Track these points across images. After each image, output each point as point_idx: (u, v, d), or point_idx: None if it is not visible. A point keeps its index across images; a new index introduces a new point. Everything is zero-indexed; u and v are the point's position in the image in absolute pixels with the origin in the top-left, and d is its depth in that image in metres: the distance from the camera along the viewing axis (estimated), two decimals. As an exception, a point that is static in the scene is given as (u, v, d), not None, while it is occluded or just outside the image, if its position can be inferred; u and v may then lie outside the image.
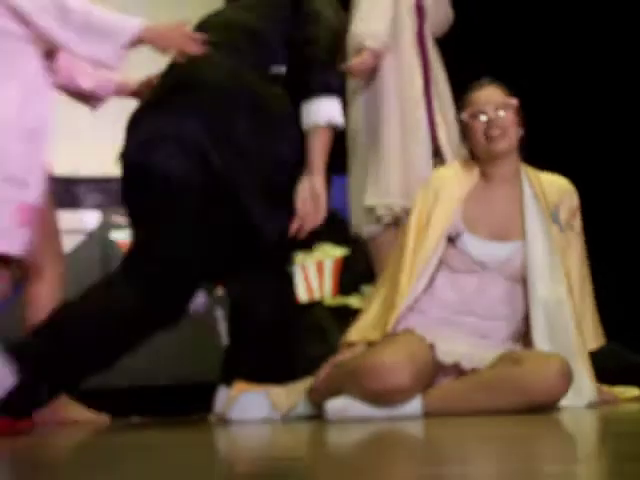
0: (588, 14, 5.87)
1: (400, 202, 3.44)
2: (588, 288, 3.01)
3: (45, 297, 3.18)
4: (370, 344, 2.84)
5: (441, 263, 2.91)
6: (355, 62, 3.33)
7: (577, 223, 3.00)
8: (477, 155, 2.96)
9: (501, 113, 2.91)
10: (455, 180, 2.96)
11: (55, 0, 2.83)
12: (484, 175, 2.97)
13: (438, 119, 3.56)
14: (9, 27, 2.86)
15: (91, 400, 3.27)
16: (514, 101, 2.94)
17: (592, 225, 3.17)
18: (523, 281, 2.91)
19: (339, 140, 4.44)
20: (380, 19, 3.50)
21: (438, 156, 3.56)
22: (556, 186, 2.98)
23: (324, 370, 2.83)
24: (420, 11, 3.72)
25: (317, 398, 2.83)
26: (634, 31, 5.89)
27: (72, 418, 3.23)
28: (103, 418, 3.33)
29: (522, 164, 3.00)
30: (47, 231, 3.15)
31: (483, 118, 2.90)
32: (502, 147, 2.90)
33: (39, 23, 2.84)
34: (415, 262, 2.88)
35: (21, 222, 2.83)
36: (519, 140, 2.95)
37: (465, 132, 2.97)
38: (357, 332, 2.90)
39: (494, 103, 2.92)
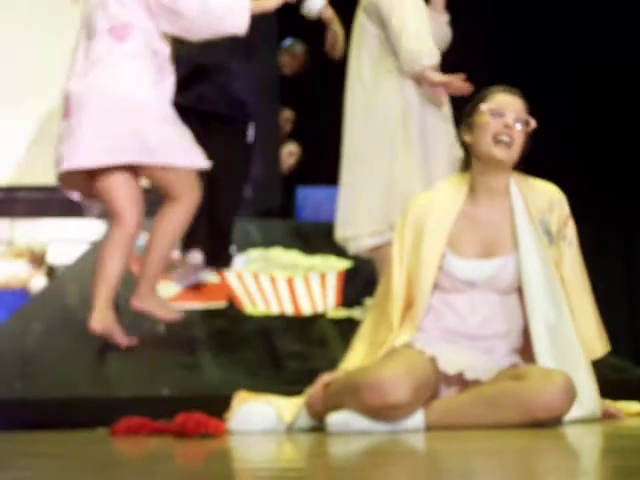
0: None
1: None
2: (588, 298, 2.96)
3: (176, 216, 3.68)
4: None
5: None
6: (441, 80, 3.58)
7: (569, 232, 2.93)
8: (474, 156, 2.88)
9: (519, 125, 2.85)
10: (440, 205, 2.89)
11: None
12: (472, 189, 2.90)
13: None
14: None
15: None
16: (533, 122, 2.87)
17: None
18: (517, 291, 2.88)
19: (337, 152, 4.49)
20: (429, 36, 3.66)
21: None
22: (545, 194, 2.92)
23: (316, 387, 2.81)
24: None
25: (315, 412, 2.81)
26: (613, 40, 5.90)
27: None
28: None
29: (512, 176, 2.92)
30: None
31: (501, 120, 2.83)
32: (504, 156, 2.83)
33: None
34: (415, 293, 2.84)
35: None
36: (520, 157, 2.88)
37: (474, 126, 2.87)
38: (349, 365, 2.87)
39: (517, 113, 2.84)
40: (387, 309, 2.88)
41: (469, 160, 2.92)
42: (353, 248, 3.80)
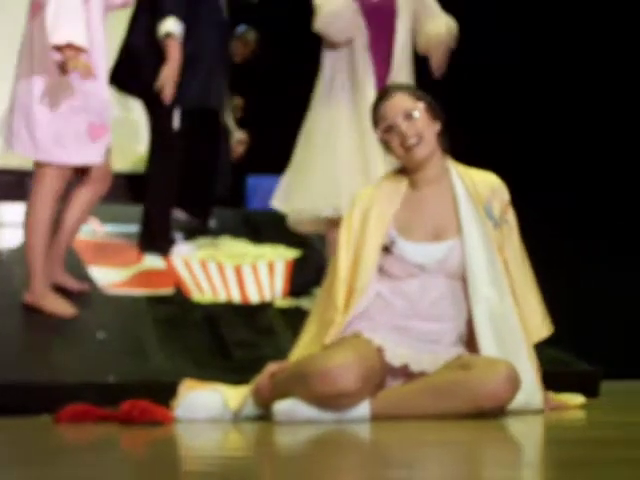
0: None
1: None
2: (530, 280, 3.02)
3: (83, 203, 3.90)
4: None
5: (381, 273, 2.92)
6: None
7: (511, 217, 3.00)
8: (402, 165, 2.97)
9: (412, 119, 2.89)
10: (383, 196, 2.96)
11: None
12: (412, 182, 2.97)
13: None
14: None
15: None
16: (421, 104, 2.92)
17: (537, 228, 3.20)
18: (464, 280, 2.93)
19: (288, 141, 4.52)
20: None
21: None
22: (487, 182, 2.99)
23: (263, 376, 2.82)
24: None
25: (262, 400, 2.82)
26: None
27: None
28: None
29: (450, 162, 3.00)
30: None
31: (396, 131, 2.90)
32: (422, 154, 2.90)
33: None
34: (356, 280, 2.88)
35: (91, 138, 3.74)
36: (438, 135, 2.94)
37: (385, 146, 2.96)
38: (298, 351, 2.92)
39: (403, 112, 2.90)
40: (332, 291, 2.91)
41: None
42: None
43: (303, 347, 2.92)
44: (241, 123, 6.33)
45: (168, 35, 4.29)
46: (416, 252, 2.89)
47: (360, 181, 3.88)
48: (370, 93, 3.96)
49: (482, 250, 2.91)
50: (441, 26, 4.07)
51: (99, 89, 3.74)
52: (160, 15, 4.31)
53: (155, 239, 4.50)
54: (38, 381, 3.24)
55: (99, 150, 3.78)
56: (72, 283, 4.00)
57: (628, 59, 6.08)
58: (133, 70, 4.49)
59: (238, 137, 6.22)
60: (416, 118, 2.90)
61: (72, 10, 3.58)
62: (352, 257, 2.93)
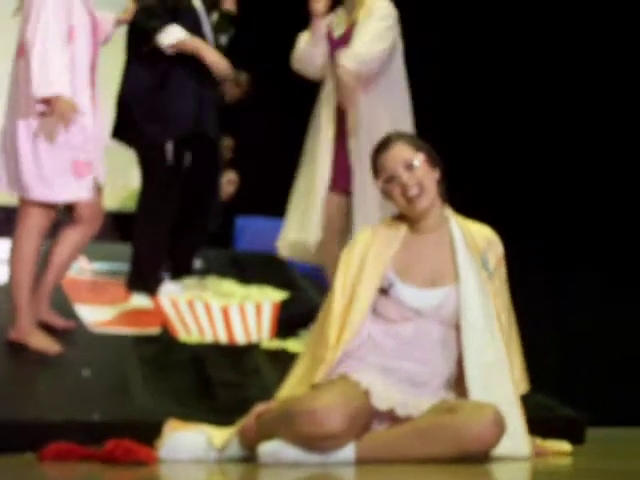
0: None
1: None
2: (515, 335, 3.05)
3: (72, 242, 3.91)
4: None
5: (375, 314, 2.93)
6: None
7: (503, 271, 3.03)
8: (403, 213, 2.99)
9: (413, 169, 2.92)
10: (382, 238, 2.97)
11: None
12: (412, 227, 2.99)
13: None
14: None
15: None
16: (421, 154, 2.95)
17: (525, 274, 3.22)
18: (457, 327, 2.93)
19: (277, 183, 4.56)
20: None
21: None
22: (483, 233, 3.02)
23: (249, 418, 2.82)
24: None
25: (248, 441, 2.81)
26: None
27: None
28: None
29: (449, 211, 3.03)
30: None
31: (397, 181, 2.92)
32: (424, 204, 2.93)
33: None
34: (349, 318, 2.88)
35: (75, 174, 3.73)
36: (437, 183, 2.97)
37: (387, 196, 2.99)
38: (286, 390, 2.92)
39: (403, 162, 2.93)
40: (325, 330, 2.91)
41: None
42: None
43: (292, 385, 2.92)
44: (230, 163, 6.37)
45: (179, 41, 4.40)
46: (413, 296, 2.91)
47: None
48: (327, 128, 4.20)
49: (477, 298, 2.92)
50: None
51: (83, 125, 3.74)
52: (153, 30, 4.36)
53: (143, 279, 4.50)
54: (22, 419, 3.22)
55: (85, 187, 3.78)
56: (58, 321, 3.99)
57: (614, 80, 6.15)
58: (121, 117, 4.52)
59: (228, 177, 6.24)
60: (416, 167, 2.92)
61: (57, 57, 3.62)
62: (347, 297, 2.93)
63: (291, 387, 2.92)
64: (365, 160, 3.88)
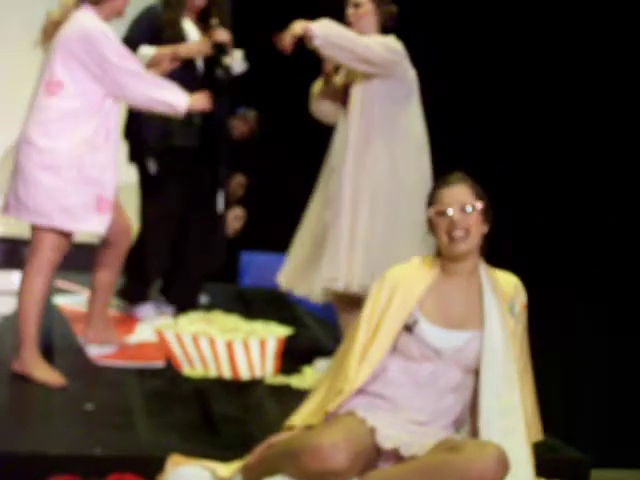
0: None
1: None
2: (530, 381, 3.02)
3: (109, 264, 4.11)
4: (309, 428, 2.84)
5: (395, 351, 2.92)
6: None
7: (524, 318, 3.02)
8: (440, 250, 2.98)
9: (466, 213, 2.91)
10: (413, 276, 2.96)
11: None
12: (444, 269, 2.98)
13: None
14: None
15: None
16: (480, 204, 2.94)
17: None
18: (475, 373, 2.93)
19: (283, 218, 4.56)
20: None
21: None
22: (511, 281, 3.01)
23: (259, 450, 2.81)
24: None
25: (251, 477, 2.80)
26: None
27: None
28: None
29: (481, 262, 3.02)
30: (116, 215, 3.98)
31: (447, 217, 2.91)
32: (464, 249, 2.91)
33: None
34: (369, 352, 2.88)
35: (97, 210, 3.86)
36: (483, 236, 2.96)
37: (431, 227, 2.97)
38: (299, 417, 2.91)
39: (460, 203, 2.92)
40: (345, 362, 2.90)
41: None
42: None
43: (305, 414, 2.90)
44: (240, 200, 6.38)
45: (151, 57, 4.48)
46: (437, 336, 2.90)
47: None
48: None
49: (501, 345, 2.90)
50: None
51: (111, 163, 3.87)
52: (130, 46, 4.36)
53: (128, 286, 4.71)
54: (24, 451, 3.20)
55: (103, 223, 3.87)
56: (114, 338, 4.24)
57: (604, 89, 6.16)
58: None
59: (235, 213, 6.25)
60: (469, 213, 2.91)
61: (156, 81, 3.98)
62: (372, 331, 2.92)
63: (304, 417, 2.90)
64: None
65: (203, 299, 5.11)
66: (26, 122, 3.81)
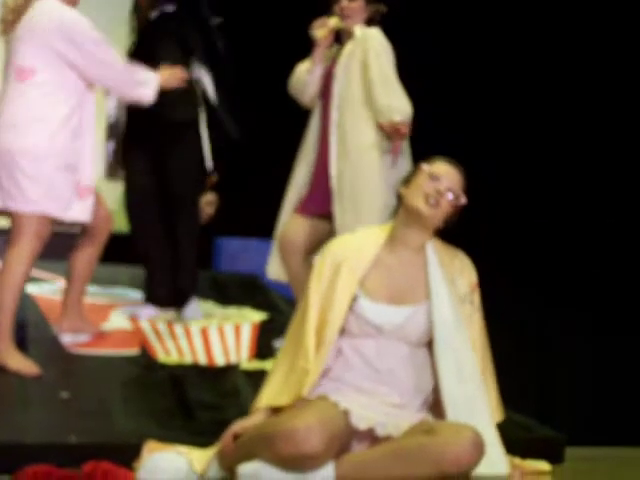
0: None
1: None
2: (489, 364, 3.04)
3: (87, 254, 4.11)
4: (277, 410, 2.84)
5: (342, 329, 2.93)
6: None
7: (476, 299, 3.03)
8: (403, 207, 2.97)
9: (449, 196, 2.95)
10: (357, 249, 2.98)
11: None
12: (392, 238, 2.99)
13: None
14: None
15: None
16: (464, 199, 2.98)
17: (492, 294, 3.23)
18: (428, 348, 2.94)
19: (258, 204, 4.55)
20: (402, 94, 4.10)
21: None
22: (457, 257, 3.04)
23: (227, 437, 2.81)
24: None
25: (227, 463, 2.80)
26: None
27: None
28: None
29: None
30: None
31: (435, 184, 2.94)
32: (428, 213, 2.93)
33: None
34: (324, 331, 2.89)
35: (80, 196, 3.86)
36: (441, 224, 2.99)
37: (411, 181, 2.99)
38: (264, 399, 2.90)
39: (451, 183, 2.96)
40: (303, 339, 2.91)
41: (397, 210, 3.02)
42: None
43: (271, 396, 2.90)
44: (213, 187, 6.34)
45: None
46: (375, 312, 2.91)
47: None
48: (308, 153, 4.26)
49: (451, 316, 2.92)
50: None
51: (89, 151, 3.89)
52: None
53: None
54: (-1, 441, 3.20)
55: (86, 209, 3.89)
56: (89, 327, 4.21)
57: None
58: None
59: (208, 198, 6.22)
60: (450, 199, 2.95)
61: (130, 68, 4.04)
62: (321, 309, 2.93)
63: (269, 398, 2.90)
64: (346, 187, 4.06)
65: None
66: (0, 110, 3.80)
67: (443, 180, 2.95)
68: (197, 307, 4.70)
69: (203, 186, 4.87)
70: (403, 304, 2.92)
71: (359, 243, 3.01)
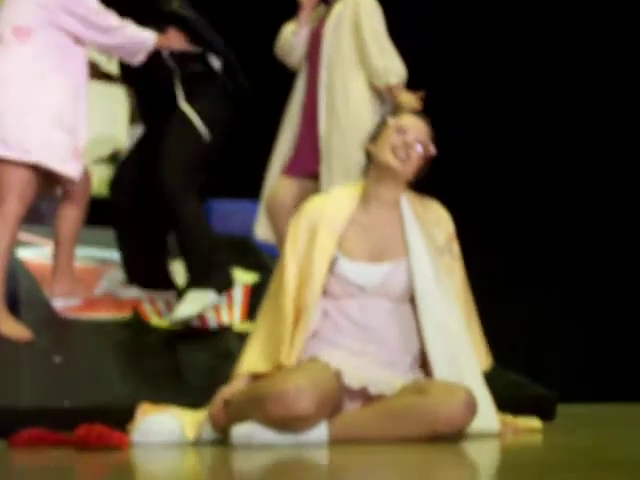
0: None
1: None
2: (473, 312, 3.07)
3: (73, 216, 4.10)
4: (258, 376, 2.85)
5: (322, 290, 2.93)
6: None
7: (455, 249, 3.05)
8: (373, 164, 2.99)
9: (418, 148, 2.96)
10: (332, 210, 2.98)
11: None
12: (365, 197, 3.00)
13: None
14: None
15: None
16: (433, 149, 2.99)
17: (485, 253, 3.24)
18: (412, 302, 2.95)
19: (249, 166, 4.52)
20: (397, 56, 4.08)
21: None
22: (433, 210, 3.05)
23: (217, 402, 2.82)
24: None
25: (219, 425, 2.82)
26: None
27: None
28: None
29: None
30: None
31: (403, 137, 2.95)
32: (398, 167, 2.95)
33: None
34: (305, 295, 2.89)
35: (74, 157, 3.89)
36: (413, 177, 3.00)
37: (379, 137, 3.00)
38: (245, 365, 2.90)
39: (419, 135, 2.97)
40: (280, 304, 2.91)
41: (368, 168, 3.03)
42: None
43: (252, 362, 2.90)
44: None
45: None
46: (356, 272, 2.91)
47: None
48: (294, 115, 4.27)
49: (430, 269, 2.93)
50: None
51: (84, 114, 3.92)
52: None
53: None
54: (-7, 406, 3.20)
55: (78, 169, 3.90)
56: (82, 290, 4.21)
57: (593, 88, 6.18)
58: None
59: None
60: (419, 151, 2.97)
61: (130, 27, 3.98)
62: (299, 271, 2.93)
63: (250, 364, 2.89)
64: (335, 147, 4.03)
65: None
66: None
67: (410, 132, 2.96)
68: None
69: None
70: (382, 261, 2.93)
71: (334, 204, 3.01)
